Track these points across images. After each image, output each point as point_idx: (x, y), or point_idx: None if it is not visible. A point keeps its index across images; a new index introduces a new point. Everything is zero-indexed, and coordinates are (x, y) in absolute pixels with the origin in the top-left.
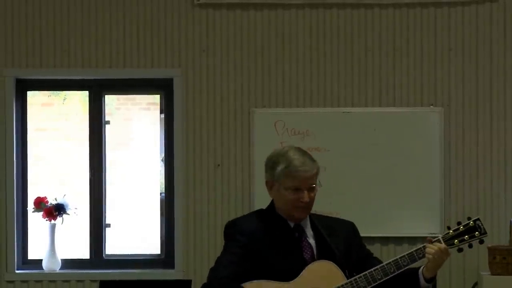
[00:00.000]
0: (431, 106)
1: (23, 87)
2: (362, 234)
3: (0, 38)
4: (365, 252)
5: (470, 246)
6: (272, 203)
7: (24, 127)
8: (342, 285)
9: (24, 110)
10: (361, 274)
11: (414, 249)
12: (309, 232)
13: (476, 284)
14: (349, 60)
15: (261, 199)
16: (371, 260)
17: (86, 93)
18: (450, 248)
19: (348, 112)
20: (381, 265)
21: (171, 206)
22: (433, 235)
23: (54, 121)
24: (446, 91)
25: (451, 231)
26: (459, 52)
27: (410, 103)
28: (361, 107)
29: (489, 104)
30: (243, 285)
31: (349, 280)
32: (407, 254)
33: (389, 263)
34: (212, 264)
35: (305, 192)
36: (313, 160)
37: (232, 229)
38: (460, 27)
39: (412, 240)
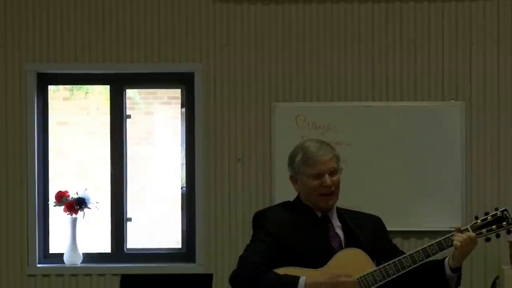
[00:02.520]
0: (453, 100)
1: (44, 81)
2: None
3: (21, 33)
4: (391, 245)
5: (498, 236)
6: (298, 195)
7: (46, 121)
8: (371, 272)
9: (45, 104)
10: (390, 262)
11: (443, 237)
12: (336, 223)
13: (497, 277)
14: (370, 54)
15: (282, 193)
16: (396, 253)
17: (108, 87)
18: (478, 237)
19: (369, 106)
20: (409, 253)
21: (192, 200)
22: (453, 229)
23: (76, 115)
24: (467, 85)
25: (479, 220)
26: (480, 46)
27: (431, 97)
28: (382, 101)
29: (510, 98)
30: (274, 270)
31: (378, 268)
32: (435, 243)
33: (418, 251)
34: (233, 258)
35: (326, 176)
36: (331, 147)
37: (260, 218)
38: (481, 21)
39: (433, 234)
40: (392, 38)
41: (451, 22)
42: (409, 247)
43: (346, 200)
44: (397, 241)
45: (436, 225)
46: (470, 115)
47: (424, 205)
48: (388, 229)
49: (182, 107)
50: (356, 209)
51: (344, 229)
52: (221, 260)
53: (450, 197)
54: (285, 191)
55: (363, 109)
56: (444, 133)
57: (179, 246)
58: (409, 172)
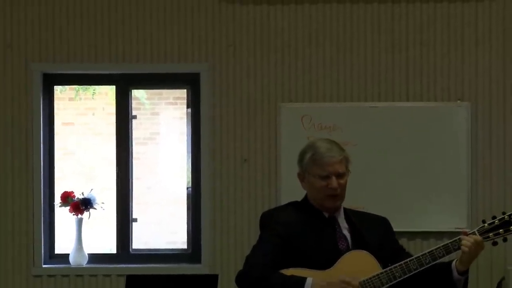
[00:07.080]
0: (458, 101)
1: (50, 81)
2: None
3: (27, 33)
4: (398, 246)
5: (505, 239)
6: (306, 195)
7: (51, 121)
8: (378, 275)
9: (51, 105)
10: (397, 264)
11: (450, 241)
12: (343, 224)
13: (503, 279)
14: (376, 54)
15: (288, 194)
16: (403, 255)
17: (113, 87)
18: (485, 241)
19: (375, 106)
20: (416, 256)
21: (198, 200)
22: (460, 229)
23: (82, 116)
24: (473, 86)
25: (486, 224)
26: (487, 46)
27: (437, 98)
28: (388, 101)
29: None
30: (281, 271)
31: (384, 270)
32: (442, 246)
33: (425, 254)
34: (239, 259)
35: (333, 178)
36: (341, 148)
37: (268, 219)
38: (487, 21)
39: (439, 235)
40: (397, 39)
41: (457, 22)
42: (415, 248)
43: (351, 200)
44: (402, 242)
45: (442, 225)
46: (476, 115)
47: (429, 206)
48: (393, 229)
49: (187, 107)
50: (361, 209)
51: (351, 230)
52: (226, 260)
53: (456, 198)
54: (290, 192)
55: (369, 109)
56: (450, 134)
57: (185, 246)
58: (414, 172)
